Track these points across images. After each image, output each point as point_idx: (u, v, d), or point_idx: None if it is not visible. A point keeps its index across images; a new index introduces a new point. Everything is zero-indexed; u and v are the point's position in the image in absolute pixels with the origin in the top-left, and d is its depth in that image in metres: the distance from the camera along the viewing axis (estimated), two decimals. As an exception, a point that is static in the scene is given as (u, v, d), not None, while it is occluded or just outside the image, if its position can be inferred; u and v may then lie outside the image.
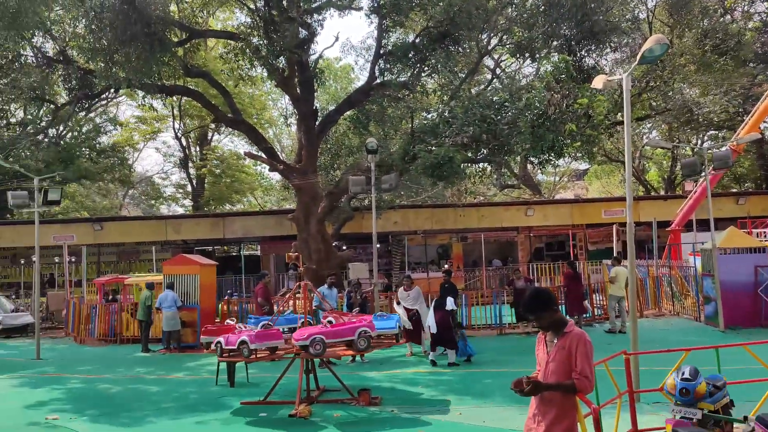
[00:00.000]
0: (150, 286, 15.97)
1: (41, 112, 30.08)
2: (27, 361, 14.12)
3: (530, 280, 17.94)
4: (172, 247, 27.63)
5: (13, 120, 32.13)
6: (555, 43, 17.87)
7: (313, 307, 11.56)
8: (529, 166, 31.68)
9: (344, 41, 43.28)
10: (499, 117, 14.75)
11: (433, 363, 11.74)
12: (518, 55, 19.38)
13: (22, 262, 24.31)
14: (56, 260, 22.87)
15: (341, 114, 20.81)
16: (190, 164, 38.61)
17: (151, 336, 15.71)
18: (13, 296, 23.37)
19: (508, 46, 20.00)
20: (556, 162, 16.83)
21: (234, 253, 33.29)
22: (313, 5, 17.77)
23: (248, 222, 28.02)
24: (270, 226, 27.04)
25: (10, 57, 18.03)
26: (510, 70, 27.37)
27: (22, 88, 19.22)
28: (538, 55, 18.93)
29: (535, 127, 13.76)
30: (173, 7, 18.43)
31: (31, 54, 19.27)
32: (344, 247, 22.40)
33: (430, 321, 11.77)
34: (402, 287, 13.11)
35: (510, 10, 18.57)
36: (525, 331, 15.41)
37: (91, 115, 32.76)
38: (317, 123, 19.79)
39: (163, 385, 10.93)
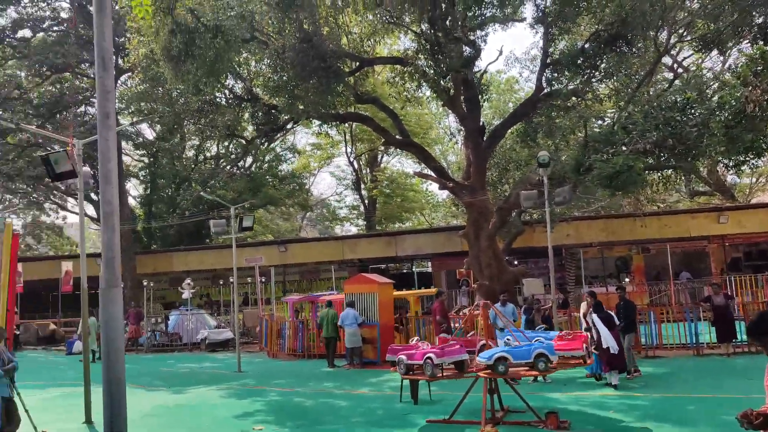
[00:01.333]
0: (329, 304, 16.84)
1: (231, 146, 33.44)
2: (231, 374, 15.59)
3: (731, 296, 16.19)
4: (348, 266, 29.03)
5: (208, 155, 36.09)
6: (746, 33, 16.16)
7: (490, 324, 11.46)
8: (719, 169, 28.76)
9: (508, 54, 42.80)
10: (685, 119, 13.62)
11: (614, 386, 11.09)
12: (703, 50, 17.79)
13: (221, 282, 27.00)
14: (249, 280, 25.11)
15: (508, 128, 20.59)
16: (362, 186, 40.46)
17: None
18: (215, 314, 26.01)
19: (690, 41, 18.48)
20: (755, 163, 15.15)
21: (405, 271, 34.16)
22: (476, 22, 17.86)
23: (419, 239, 28.64)
24: (440, 243, 27.39)
25: (208, 99, 20.30)
26: (691, 66, 25.24)
27: (218, 127, 21.52)
28: (725, 48, 17.27)
29: (729, 127, 12.49)
30: (344, 39, 19.59)
31: (223, 95, 21.55)
32: (515, 262, 21.97)
33: (609, 341, 11.12)
34: (584, 302, 12.55)
35: (690, 2, 17.18)
36: (727, 352, 13.94)
37: (272, 145, 35.72)
38: (484, 138, 19.75)
39: (350, 400, 11.46)
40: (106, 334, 6.00)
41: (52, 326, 25.21)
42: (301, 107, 18.34)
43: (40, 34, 27.57)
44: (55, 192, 33.60)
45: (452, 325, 14.50)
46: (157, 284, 29.34)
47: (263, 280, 23.36)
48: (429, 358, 8.95)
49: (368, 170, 41.43)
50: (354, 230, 45.28)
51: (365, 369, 15.28)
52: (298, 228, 48.61)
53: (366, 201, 40.55)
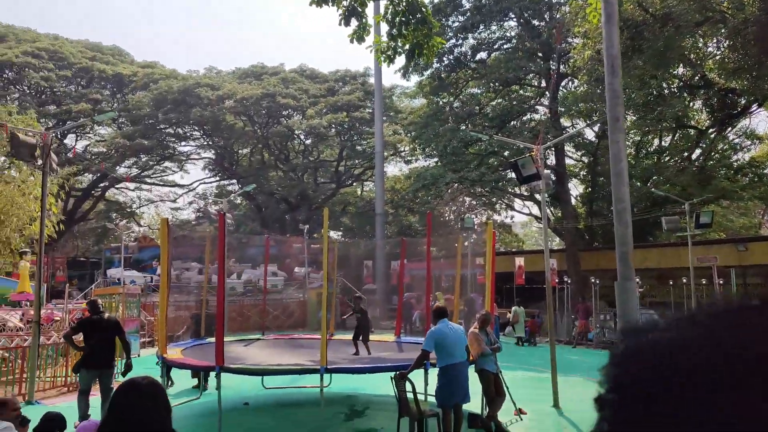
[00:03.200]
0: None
1: (677, 137, 31.33)
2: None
3: None
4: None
5: (650, 149, 34.63)
6: None
7: None
8: None
9: None
10: None
11: None
12: None
13: (670, 282, 25.59)
14: (703, 282, 23.12)
15: None
16: None
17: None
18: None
19: None
20: None
21: None
22: None
23: None
24: None
25: (654, 93, 19.56)
26: None
27: (665, 119, 20.50)
28: None
29: None
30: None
31: (670, 86, 20.41)
32: None
33: None
34: None
35: None
36: None
37: (726, 133, 32.08)
38: None
39: None
40: (623, 323, 6.37)
41: (508, 315, 28.03)
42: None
43: (494, 54, 31.06)
44: (505, 193, 37.28)
45: None
46: (602, 281, 29.62)
47: (720, 281, 21.21)
48: None
49: None
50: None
51: None
52: (758, 224, 42.45)
53: None
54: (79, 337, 9.76)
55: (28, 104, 42.19)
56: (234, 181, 52.27)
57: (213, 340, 11.54)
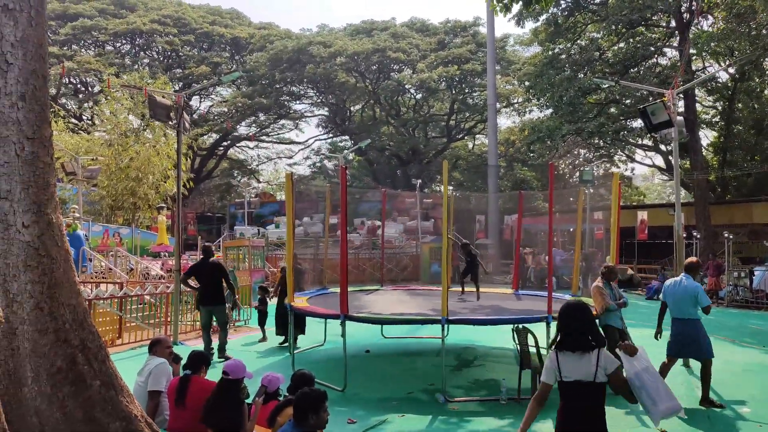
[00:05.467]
0: None
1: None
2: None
3: None
4: None
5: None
6: None
7: None
8: None
9: None
10: None
11: None
12: None
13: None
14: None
15: None
16: None
17: None
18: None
19: None
20: None
21: None
22: None
23: None
24: None
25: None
26: None
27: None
28: None
29: None
30: None
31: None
32: None
33: None
34: None
35: None
36: None
37: None
38: None
39: None
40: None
41: (630, 271, 26.83)
42: None
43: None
44: (626, 144, 35.24)
45: None
46: (735, 236, 27.58)
47: None
48: None
49: None
50: None
51: None
52: None
53: None
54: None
55: (156, 69, 45.00)
56: (346, 137, 53.26)
57: (336, 290, 12.04)
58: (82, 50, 47.98)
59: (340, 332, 8.39)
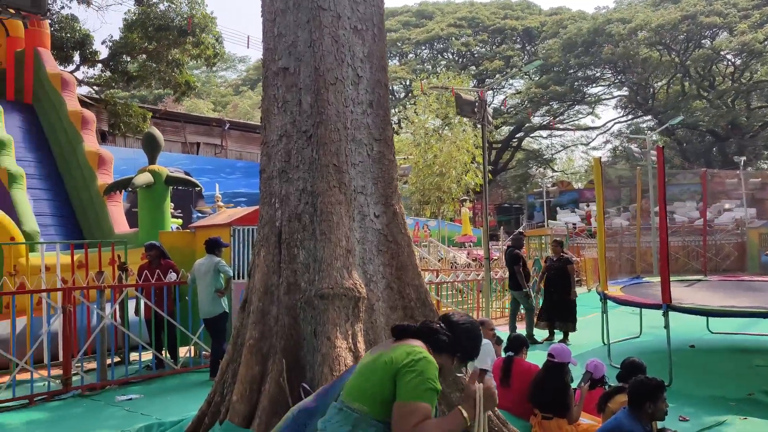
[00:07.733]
0: None
1: None
2: None
3: None
4: None
5: None
6: None
7: None
8: None
9: None
10: None
11: None
12: None
13: None
14: None
15: None
16: None
17: None
18: None
19: None
20: None
21: None
22: None
23: None
24: None
25: None
26: None
27: None
28: None
29: None
30: None
31: None
32: None
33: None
34: None
35: None
36: None
37: None
38: None
39: None
40: None
41: None
42: None
43: None
44: None
45: None
46: None
47: None
48: None
49: None
50: None
51: None
52: None
53: None
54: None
55: (453, 69, 47.51)
56: (649, 117, 49.22)
57: (651, 279, 11.24)
58: (389, 61, 53.16)
59: (660, 324, 7.81)
